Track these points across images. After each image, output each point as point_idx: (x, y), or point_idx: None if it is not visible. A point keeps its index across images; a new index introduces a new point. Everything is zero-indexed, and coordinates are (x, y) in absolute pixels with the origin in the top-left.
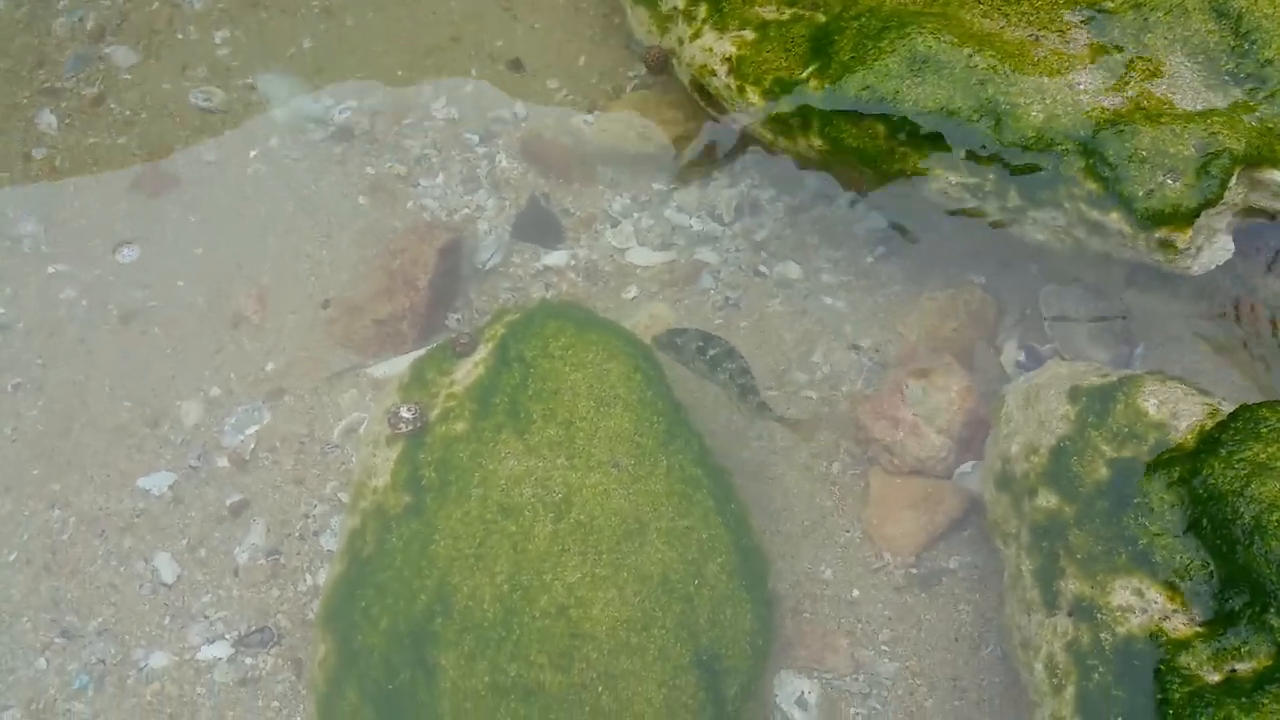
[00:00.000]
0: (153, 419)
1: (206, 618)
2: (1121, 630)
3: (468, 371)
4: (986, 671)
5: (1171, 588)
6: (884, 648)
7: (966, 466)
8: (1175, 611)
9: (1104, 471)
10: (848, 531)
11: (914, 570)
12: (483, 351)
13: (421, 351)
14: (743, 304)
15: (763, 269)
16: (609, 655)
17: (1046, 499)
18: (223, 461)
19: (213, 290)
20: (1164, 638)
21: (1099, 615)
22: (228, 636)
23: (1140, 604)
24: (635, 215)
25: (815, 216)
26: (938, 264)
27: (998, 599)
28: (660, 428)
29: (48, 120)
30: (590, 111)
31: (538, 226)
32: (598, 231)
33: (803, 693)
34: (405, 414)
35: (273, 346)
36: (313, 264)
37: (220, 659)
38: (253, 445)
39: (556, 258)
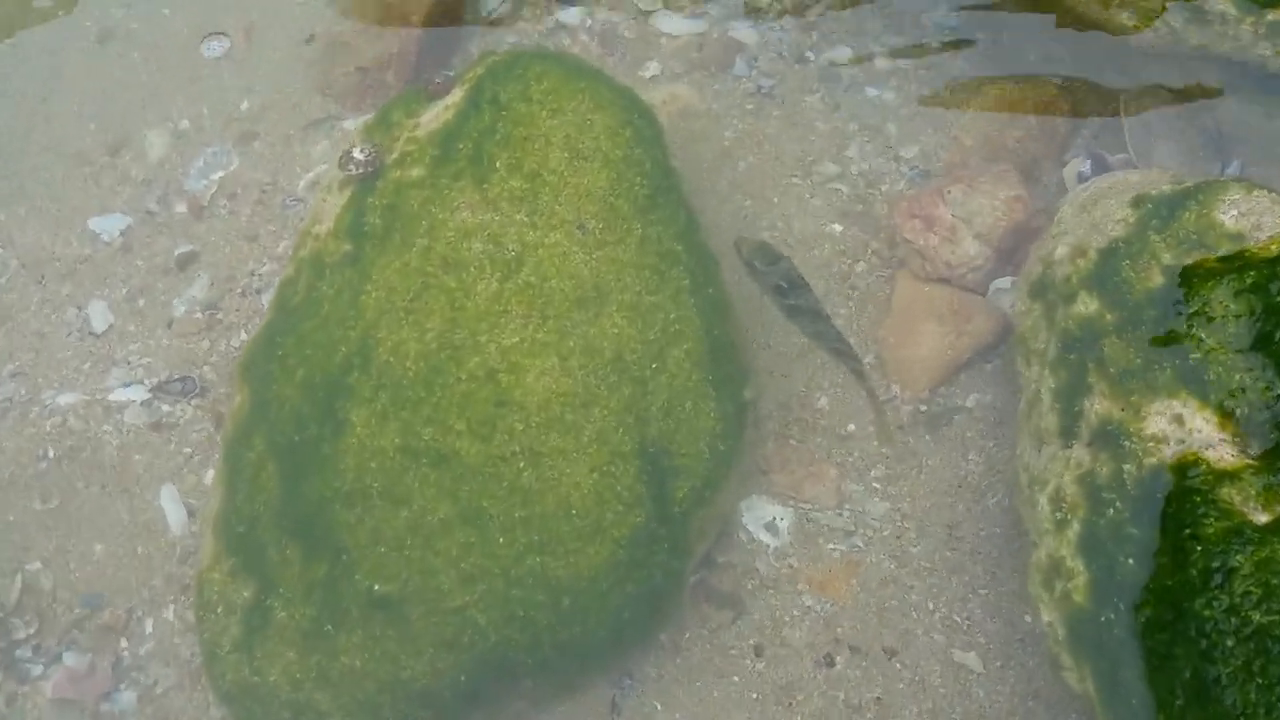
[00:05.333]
0: (115, 147)
1: (129, 364)
2: (1151, 461)
3: (436, 114)
4: (988, 521)
5: (1223, 412)
6: (875, 486)
7: (1004, 281)
8: (1223, 440)
9: (1159, 279)
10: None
11: (923, 408)
12: (457, 94)
13: None
14: (777, 93)
15: (809, 55)
16: (537, 429)
17: (1086, 304)
18: (181, 208)
19: (197, 17)
20: (1204, 466)
21: (1126, 443)
22: (146, 382)
23: (1178, 433)
24: None
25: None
26: (1012, 63)
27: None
28: (642, 192)
29: None
30: None
31: None
32: None
33: (774, 518)
34: (358, 155)
35: (250, 85)
36: None
37: (134, 401)
38: (214, 191)
39: (572, 15)
